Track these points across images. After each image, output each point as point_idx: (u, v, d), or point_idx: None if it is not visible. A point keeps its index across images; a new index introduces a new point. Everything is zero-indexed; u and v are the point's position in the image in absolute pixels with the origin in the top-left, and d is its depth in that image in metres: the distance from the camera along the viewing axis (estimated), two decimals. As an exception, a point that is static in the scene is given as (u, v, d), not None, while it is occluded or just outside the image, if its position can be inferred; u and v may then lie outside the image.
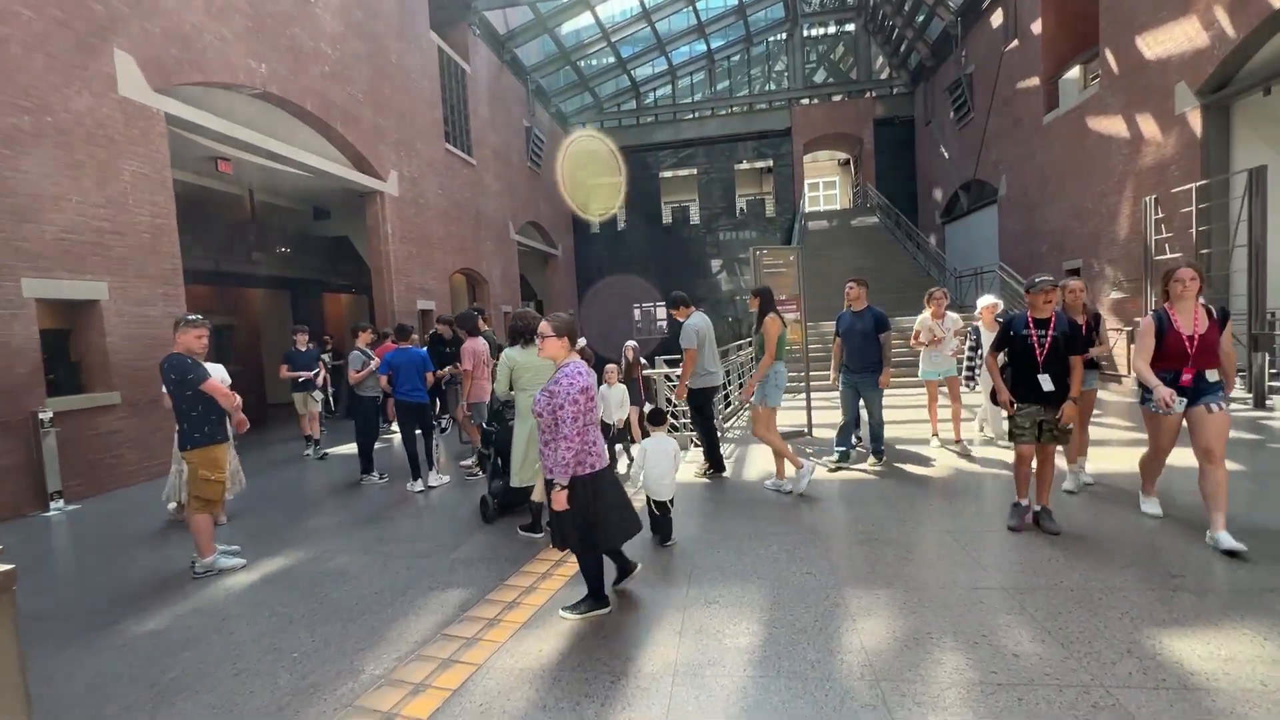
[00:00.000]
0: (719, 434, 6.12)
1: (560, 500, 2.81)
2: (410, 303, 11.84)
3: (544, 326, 3.00)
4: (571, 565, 3.71)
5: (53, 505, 5.71)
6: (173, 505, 5.07)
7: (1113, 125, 11.05)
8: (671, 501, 3.99)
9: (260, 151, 8.88)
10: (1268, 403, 7.24)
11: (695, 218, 23.94)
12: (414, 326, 7.28)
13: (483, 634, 2.93)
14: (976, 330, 6.02)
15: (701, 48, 23.00)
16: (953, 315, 6.16)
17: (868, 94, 22.59)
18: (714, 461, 5.54)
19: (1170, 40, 9.54)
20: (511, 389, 4.38)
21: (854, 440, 5.83)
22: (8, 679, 1.95)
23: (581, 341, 6.17)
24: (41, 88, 5.87)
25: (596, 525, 2.94)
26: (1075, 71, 12.31)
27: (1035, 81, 13.55)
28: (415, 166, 12.32)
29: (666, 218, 24.15)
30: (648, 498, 4.01)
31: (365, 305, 15.56)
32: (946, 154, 18.68)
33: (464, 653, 2.76)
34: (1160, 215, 8.88)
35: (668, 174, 23.86)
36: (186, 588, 3.71)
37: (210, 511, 3.83)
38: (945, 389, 6.19)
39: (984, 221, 16.64)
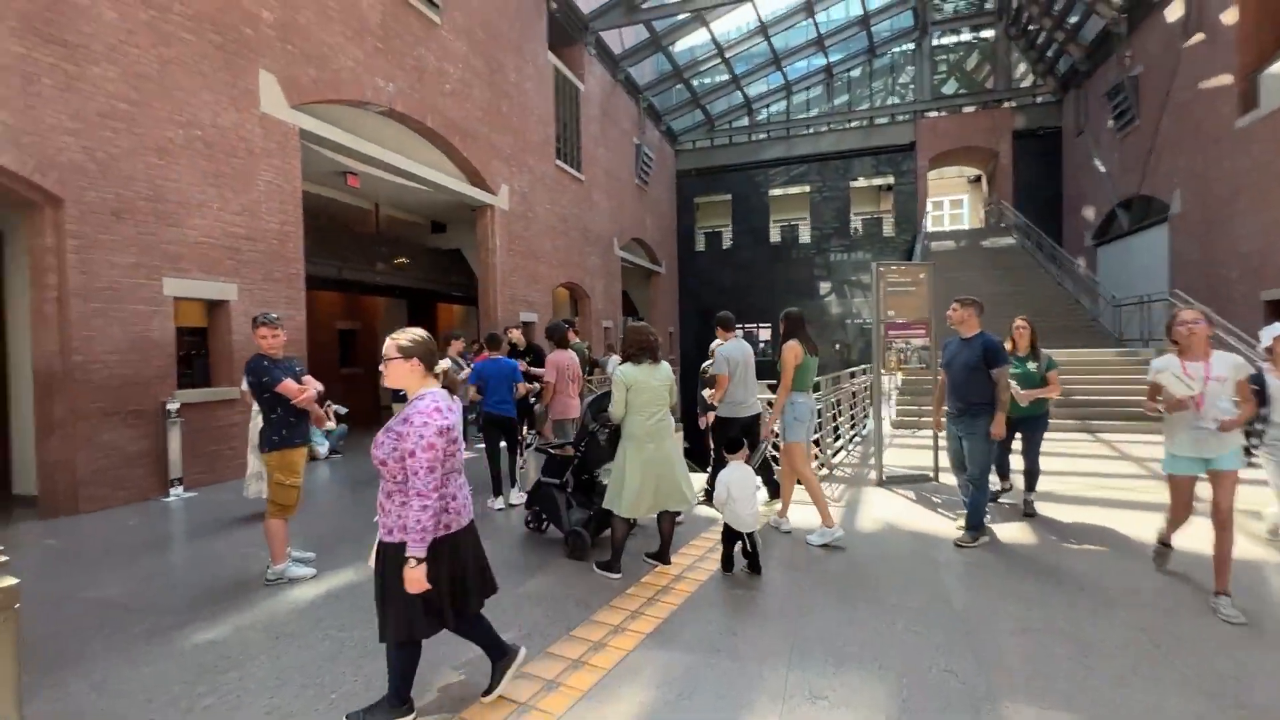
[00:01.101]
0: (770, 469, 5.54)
1: (415, 579, 2.11)
2: (514, 315, 11.98)
3: (388, 345, 2.30)
4: (648, 620, 3.21)
5: (172, 491, 6.05)
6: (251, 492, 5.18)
7: (1339, 126, 9.03)
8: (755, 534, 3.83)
9: (383, 165, 9.31)
10: None
11: (805, 237, 22.90)
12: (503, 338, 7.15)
13: (537, 700, 2.49)
14: (1261, 378, 3.90)
15: (820, 61, 22.11)
16: (1228, 358, 3.32)
17: (1005, 104, 20.59)
18: (708, 492, 5.31)
19: None
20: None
21: (998, 491, 4.85)
22: (4, 706, 1.75)
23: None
24: (194, 104, 6.38)
25: (455, 599, 2.31)
26: (1283, 65, 10.28)
27: (1227, 80, 11.51)
28: (526, 182, 12.56)
29: (775, 236, 23.29)
30: (727, 530, 3.83)
31: (475, 316, 16.12)
32: (1102, 167, 16.46)
33: (514, 721, 2.33)
34: None
35: (778, 192, 23.04)
36: (256, 594, 3.60)
37: (284, 516, 3.73)
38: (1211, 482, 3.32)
39: (1149, 243, 14.38)
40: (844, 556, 4.14)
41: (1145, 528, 4.49)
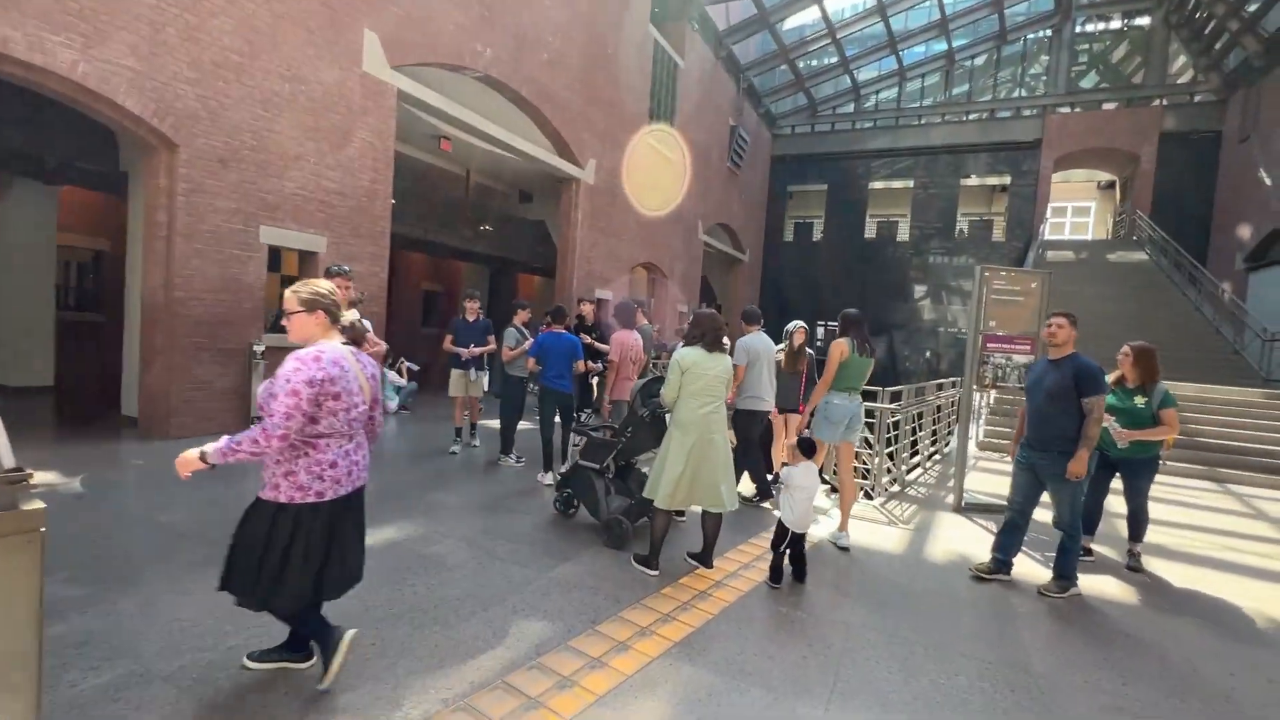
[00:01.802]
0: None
1: (186, 461, 2.03)
2: (589, 290, 11.94)
3: (288, 298, 2.18)
4: (679, 627, 2.99)
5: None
6: None
7: None
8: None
9: (474, 131, 9.41)
10: None
11: (904, 235, 21.50)
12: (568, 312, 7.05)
13: (548, 697, 2.34)
14: None
15: (941, 46, 20.48)
16: None
17: (1156, 101, 18.29)
18: (760, 490, 5.22)
19: None
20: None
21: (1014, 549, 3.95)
22: (19, 640, 1.76)
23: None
24: (299, 59, 6.60)
25: (304, 574, 2.14)
26: None
27: None
28: (615, 157, 12.40)
29: (870, 232, 22.02)
30: (779, 530, 3.63)
31: (555, 288, 16.29)
32: (1269, 180, 14.29)
33: (518, 718, 2.19)
34: None
35: (878, 184, 21.70)
36: (302, 539, 3.69)
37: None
38: None
39: (1319, 272, 12.37)
40: (905, 588, 3.74)
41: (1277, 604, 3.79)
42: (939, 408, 8.04)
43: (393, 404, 8.22)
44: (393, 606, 2.95)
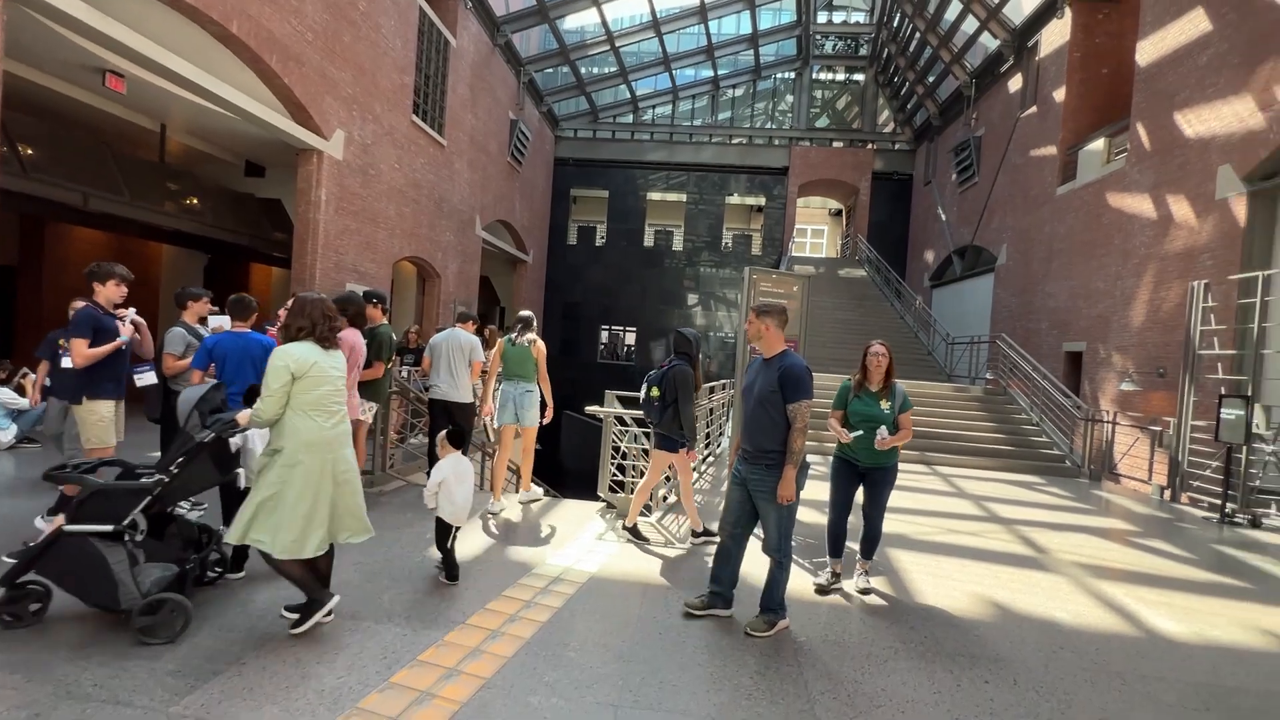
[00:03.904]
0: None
1: None
2: (338, 284, 10.09)
3: None
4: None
5: None
6: None
7: (1138, 204, 10.20)
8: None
9: (163, 71, 7.17)
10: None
11: (679, 245, 22.78)
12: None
13: None
14: None
15: (708, 72, 22.14)
16: None
17: (869, 145, 21.99)
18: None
19: (1216, 119, 8.72)
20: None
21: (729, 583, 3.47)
22: None
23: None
24: None
25: None
26: (1099, 144, 11.55)
27: (1052, 150, 12.81)
28: (371, 132, 10.71)
29: (649, 240, 22.90)
30: (441, 525, 3.59)
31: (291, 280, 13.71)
32: (944, 216, 17.97)
33: None
34: (1211, 303, 7.86)
35: (656, 196, 22.70)
36: None
37: None
38: None
39: (977, 290, 15.81)
40: (622, 625, 3.31)
41: (995, 584, 4.20)
42: (711, 410, 8.19)
43: (5, 434, 5.73)
44: None
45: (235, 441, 3.14)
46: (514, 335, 5.27)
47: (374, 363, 4.50)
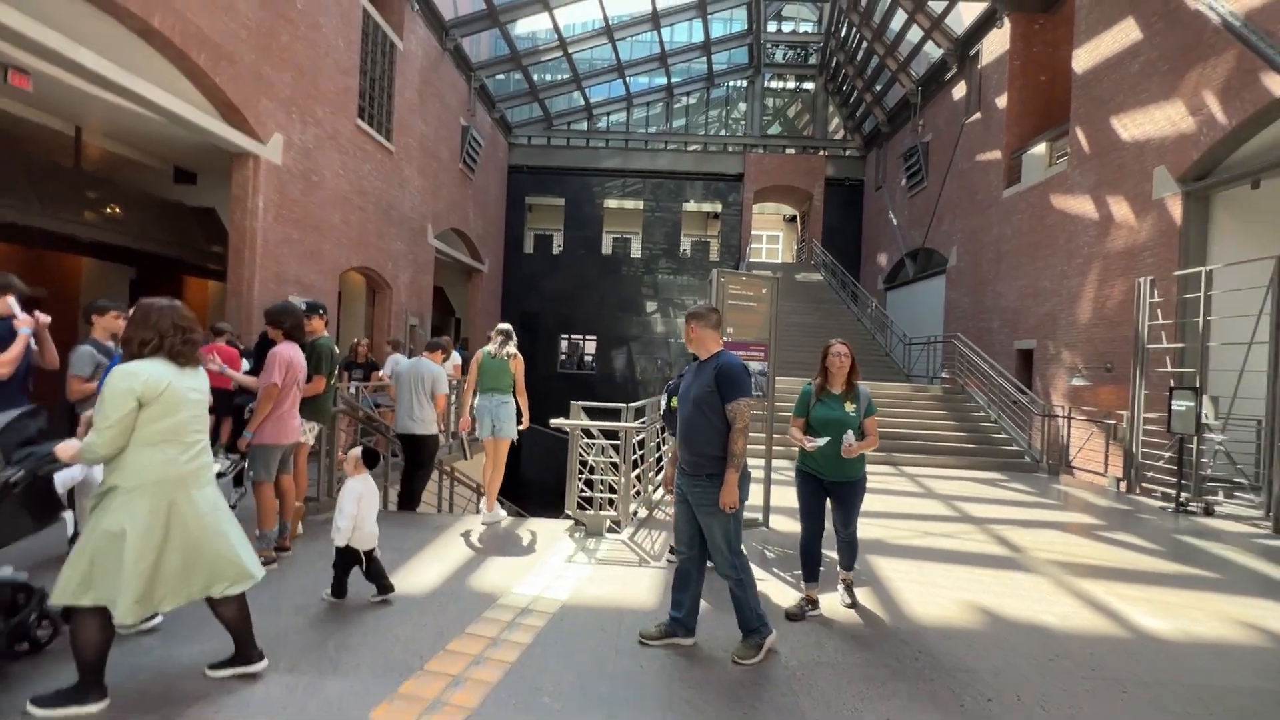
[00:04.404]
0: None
1: None
2: (280, 296, 9.45)
3: None
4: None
5: None
6: None
7: (1080, 205, 10.56)
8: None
9: (74, 68, 6.55)
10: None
11: (636, 252, 22.63)
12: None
13: None
14: None
15: (661, 80, 22.15)
16: None
17: (821, 151, 22.38)
18: None
19: (1150, 123, 9.09)
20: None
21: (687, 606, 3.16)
22: None
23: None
24: None
25: None
26: (1040, 148, 11.95)
27: (996, 155, 13.21)
28: (312, 136, 10.16)
29: (607, 248, 22.67)
30: (347, 549, 3.37)
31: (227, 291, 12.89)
32: (895, 220, 18.37)
33: None
34: (1157, 299, 8.12)
35: (613, 203, 22.50)
36: None
37: None
38: None
39: (930, 291, 16.17)
40: (593, 655, 3.05)
41: (982, 590, 4.10)
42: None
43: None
44: None
45: (73, 475, 2.63)
46: (493, 348, 5.36)
47: (314, 377, 4.09)
